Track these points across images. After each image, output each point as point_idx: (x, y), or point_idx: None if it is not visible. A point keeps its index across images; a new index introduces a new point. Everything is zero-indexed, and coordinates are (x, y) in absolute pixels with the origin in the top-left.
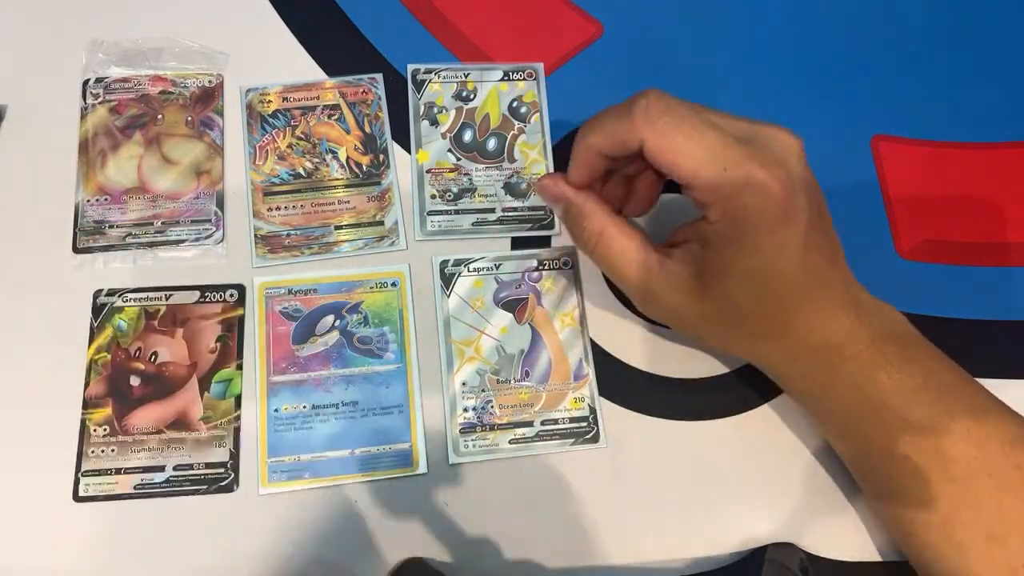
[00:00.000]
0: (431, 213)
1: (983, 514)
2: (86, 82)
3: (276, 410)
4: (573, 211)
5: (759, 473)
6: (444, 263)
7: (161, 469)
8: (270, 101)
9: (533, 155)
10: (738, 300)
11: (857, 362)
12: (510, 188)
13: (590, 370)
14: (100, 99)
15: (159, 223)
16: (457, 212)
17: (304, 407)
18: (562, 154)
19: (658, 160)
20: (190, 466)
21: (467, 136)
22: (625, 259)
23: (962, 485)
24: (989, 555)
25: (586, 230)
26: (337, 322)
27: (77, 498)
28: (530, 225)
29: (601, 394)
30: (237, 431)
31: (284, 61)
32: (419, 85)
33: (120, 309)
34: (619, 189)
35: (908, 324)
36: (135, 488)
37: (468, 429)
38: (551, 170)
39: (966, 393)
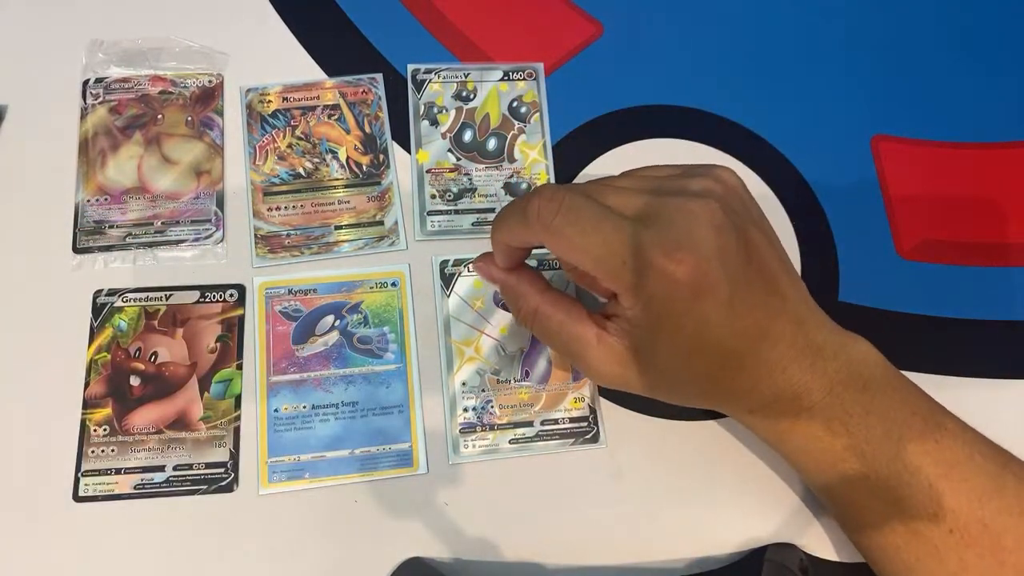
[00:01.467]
0: (431, 213)
1: (946, 568)
2: (86, 82)
3: (276, 410)
4: (506, 293)
5: (759, 473)
6: (444, 263)
7: (161, 469)
8: (270, 101)
9: (533, 155)
10: (676, 373)
11: (813, 415)
12: (510, 188)
13: None
14: (100, 99)
15: (159, 223)
16: (457, 212)
17: (304, 407)
18: (562, 154)
19: (561, 257)
20: (190, 466)
21: (467, 136)
22: (562, 336)
23: (923, 537)
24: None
25: (521, 310)
26: (337, 322)
27: (77, 498)
28: None
29: (601, 394)
30: (237, 431)
31: (284, 61)
32: (419, 85)
33: (120, 309)
34: None
35: (875, 360)
36: (135, 488)
37: (468, 429)
38: (551, 170)
39: (931, 442)
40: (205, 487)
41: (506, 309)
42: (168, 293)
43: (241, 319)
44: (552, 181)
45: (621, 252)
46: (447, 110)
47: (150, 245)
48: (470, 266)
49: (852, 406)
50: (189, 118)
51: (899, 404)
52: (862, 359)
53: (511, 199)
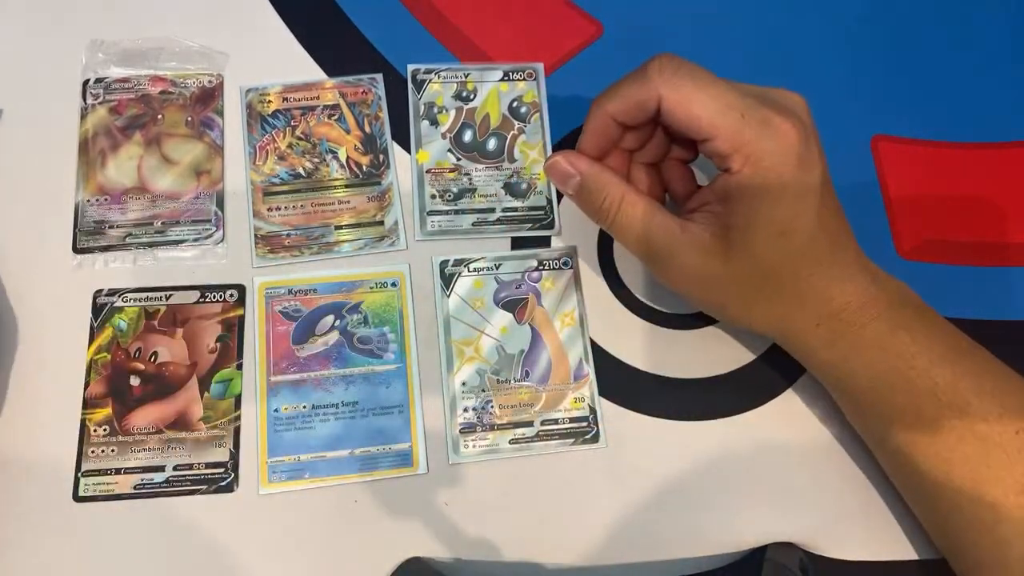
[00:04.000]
0: (431, 213)
1: (1017, 471)
2: (86, 82)
3: (276, 410)
4: (589, 183)
5: (759, 473)
6: (444, 263)
7: (161, 469)
8: (270, 101)
9: (533, 155)
10: (761, 256)
11: (881, 323)
12: (510, 188)
13: (590, 370)
14: (100, 99)
15: (159, 223)
16: (457, 212)
17: (304, 407)
18: None
19: (677, 115)
20: (190, 466)
21: (467, 136)
22: (647, 225)
23: (991, 443)
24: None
25: (606, 199)
26: (337, 322)
27: (77, 498)
28: (530, 225)
29: (601, 394)
30: (237, 431)
31: (284, 61)
32: (419, 85)
33: (120, 309)
34: (644, 177)
35: (921, 299)
36: (135, 488)
37: (468, 429)
38: None
39: (983, 358)
40: (205, 487)
41: (507, 309)
42: (168, 293)
43: (241, 319)
44: None
45: (740, 107)
46: (447, 110)
47: (150, 245)
48: (544, 166)
49: (914, 322)
50: (189, 118)
51: (952, 329)
52: (914, 294)
53: (511, 199)
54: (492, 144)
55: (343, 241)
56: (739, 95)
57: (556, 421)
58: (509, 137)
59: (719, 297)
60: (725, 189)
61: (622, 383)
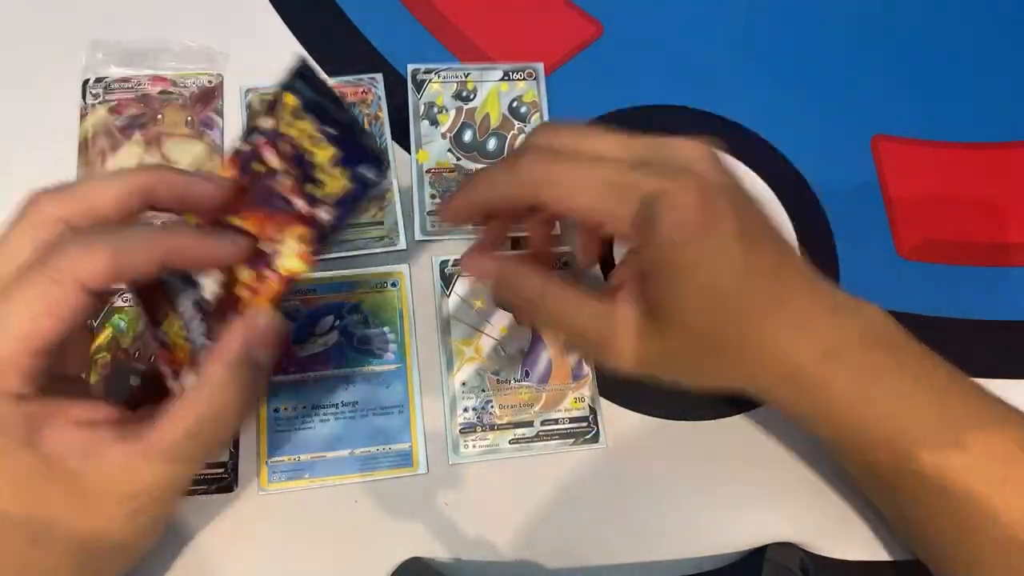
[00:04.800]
0: (431, 213)
1: (1004, 518)
2: (86, 82)
3: (276, 410)
4: (503, 280)
5: (759, 473)
6: (444, 263)
7: None
8: None
9: None
10: (696, 326)
11: (850, 372)
12: None
13: (590, 370)
14: (100, 99)
15: (159, 223)
16: None
17: (304, 407)
18: None
19: (560, 210)
20: None
21: (467, 136)
22: (576, 317)
23: (977, 493)
24: (1007, 563)
25: (526, 296)
26: (337, 322)
27: None
28: None
29: (601, 394)
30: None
31: (284, 61)
32: (419, 85)
33: (120, 309)
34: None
35: (894, 323)
36: None
37: (468, 429)
38: None
39: (959, 395)
40: (205, 487)
41: (507, 309)
42: None
43: None
44: None
45: (622, 185)
46: (447, 110)
47: None
48: (460, 268)
49: (883, 362)
50: (189, 118)
51: (928, 360)
52: (884, 320)
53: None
54: (492, 144)
55: (343, 241)
56: (621, 170)
57: (556, 421)
58: (509, 137)
59: (670, 373)
60: (638, 266)
61: (622, 383)
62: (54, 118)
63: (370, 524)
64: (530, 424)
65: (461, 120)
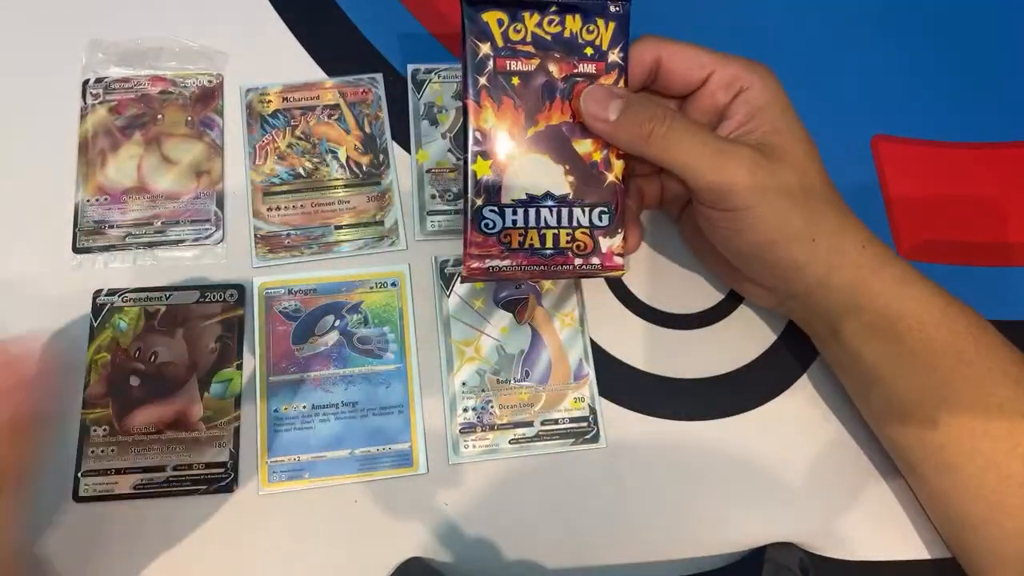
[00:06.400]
0: (431, 213)
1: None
2: (86, 82)
3: (276, 410)
4: (634, 102)
5: (759, 473)
6: (444, 263)
7: (161, 469)
8: (270, 101)
9: None
10: (803, 167)
11: (896, 267)
12: None
13: (590, 370)
14: (100, 99)
15: (159, 223)
16: (457, 212)
17: (304, 407)
18: None
19: (675, 62)
20: (190, 466)
21: None
22: (699, 146)
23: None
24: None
25: (659, 114)
26: (337, 322)
27: (77, 498)
28: None
29: (601, 394)
30: (237, 431)
31: (284, 61)
32: (419, 85)
33: (120, 309)
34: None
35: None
36: (135, 488)
37: (468, 429)
38: None
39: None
40: (205, 487)
41: (507, 309)
42: (168, 293)
43: (241, 319)
44: None
45: (714, 62)
46: (447, 110)
47: (150, 245)
48: (584, 95)
49: (918, 277)
50: (189, 118)
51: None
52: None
53: None
54: None
55: (343, 241)
56: (707, 51)
57: (556, 421)
58: None
59: (758, 206)
60: (747, 105)
61: (622, 383)
62: (54, 118)
63: (370, 524)
64: (530, 424)
65: (461, 120)
